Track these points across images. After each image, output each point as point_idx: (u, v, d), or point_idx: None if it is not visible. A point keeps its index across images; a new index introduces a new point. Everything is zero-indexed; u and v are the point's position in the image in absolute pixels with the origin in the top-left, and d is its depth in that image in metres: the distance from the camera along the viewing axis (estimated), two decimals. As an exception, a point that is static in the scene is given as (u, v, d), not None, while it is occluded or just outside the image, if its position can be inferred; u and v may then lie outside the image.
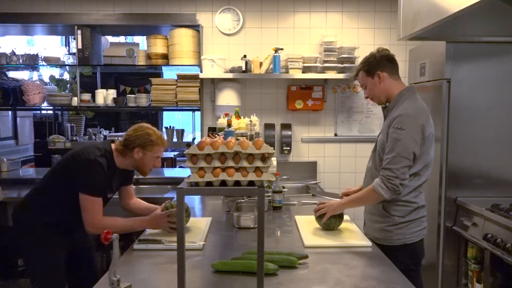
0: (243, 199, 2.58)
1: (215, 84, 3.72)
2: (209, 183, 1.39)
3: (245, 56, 3.58)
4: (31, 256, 2.12)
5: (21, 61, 3.72)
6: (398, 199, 1.94)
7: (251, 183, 1.39)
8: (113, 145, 2.16)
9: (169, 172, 4.21)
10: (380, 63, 2.01)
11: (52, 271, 2.09)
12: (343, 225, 2.16)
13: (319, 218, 2.10)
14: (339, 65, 3.56)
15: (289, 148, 3.66)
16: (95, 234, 2.06)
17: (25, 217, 2.12)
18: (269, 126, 3.66)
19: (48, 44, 5.10)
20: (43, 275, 2.10)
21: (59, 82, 4.54)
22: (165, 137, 3.83)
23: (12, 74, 4.17)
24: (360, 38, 3.79)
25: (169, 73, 4.66)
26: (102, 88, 3.84)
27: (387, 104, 2.07)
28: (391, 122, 1.92)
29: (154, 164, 2.22)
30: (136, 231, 2.16)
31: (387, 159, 1.88)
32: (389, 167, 1.86)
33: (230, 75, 3.58)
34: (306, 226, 2.20)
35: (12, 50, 3.79)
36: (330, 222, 2.07)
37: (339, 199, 2.12)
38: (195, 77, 3.61)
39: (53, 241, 2.09)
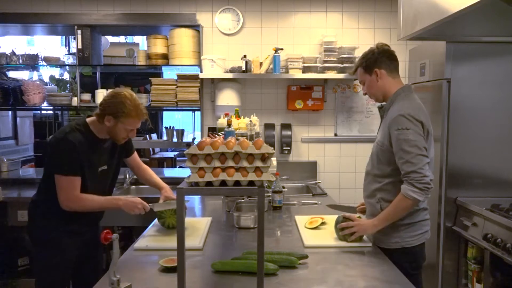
0: (243, 199, 2.58)
1: (215, 84, 3.72)
2: (209, 183, 1.39)
3: (245, 56, 3.57)
4: (39, 257, 2.08)
5: (21, 61, 3.72)
6: None
7: (251, 183, 1.39)
8: (89, 119, 2.07)
9: (169, 172, 4.22)
10: (378, 60, 1.94)
11: (59, 274, 2.06)
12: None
13: (339, 228, 1.96)
14: (339, 65, 3.56)
15: (289, 148, 3.66)
16: (73, 210, 2.00)
17: (37, 217, 2.09)
18: (269, 126, 3.66)
19: (48, 44, 5.10)
20: (49, 277, 2.06)
21: (59, 82, 4.54)
22: (165, 137, 3.88)
23: (12, 74, 4.16)
24: (360, 38, 3.79)
25: (169, 73, 4.66)
26: (102, 88, 3.84)
27: (383, 104, 2.02)
28: (391, 123, 1.85)
29: (128, 135, 2.09)
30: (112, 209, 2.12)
31: (407, 162, 1.78)
32: (412, 169, 1.76)
33: (230, 75, 3.57)
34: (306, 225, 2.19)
35: (12, 50, 3.79)
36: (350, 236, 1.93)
37: (370, 219, 1.93)
38: (195, 77, 3.61)
39: (64, 244, 2.05)
